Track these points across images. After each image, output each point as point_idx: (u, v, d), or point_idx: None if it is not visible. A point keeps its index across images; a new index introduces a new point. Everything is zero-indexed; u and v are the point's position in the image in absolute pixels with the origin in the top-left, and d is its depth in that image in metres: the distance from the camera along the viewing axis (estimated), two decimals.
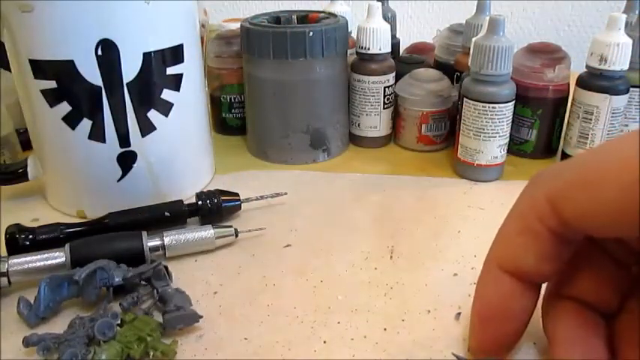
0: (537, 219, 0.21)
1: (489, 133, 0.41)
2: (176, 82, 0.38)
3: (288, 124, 0.46)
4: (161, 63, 0.36)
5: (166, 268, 0.31)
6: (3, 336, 0.28)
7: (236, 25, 0.57)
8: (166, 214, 0.36)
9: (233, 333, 0.28)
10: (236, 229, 0.35)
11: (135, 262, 0.31)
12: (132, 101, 0.36)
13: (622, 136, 0.19)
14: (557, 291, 0.24)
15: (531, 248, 0.21)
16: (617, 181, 0.18)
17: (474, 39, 0.41)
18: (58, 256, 0.31)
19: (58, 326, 0.28)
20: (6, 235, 0.33)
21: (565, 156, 0.46)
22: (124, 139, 0.36)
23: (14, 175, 0.40)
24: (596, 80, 0.42)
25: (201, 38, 0.43)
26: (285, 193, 0.40)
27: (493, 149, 0.42)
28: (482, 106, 0.41)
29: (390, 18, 0.56)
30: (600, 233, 0.20)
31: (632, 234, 0.18)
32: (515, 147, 0.47)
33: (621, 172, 0.18)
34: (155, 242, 0.33)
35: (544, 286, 0.24)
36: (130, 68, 0.35)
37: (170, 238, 0.33)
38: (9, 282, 0.30)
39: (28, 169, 0.40)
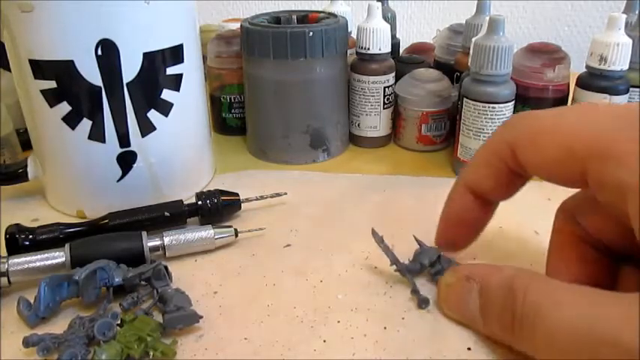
0: (499, 158, 0.26)
1: (489, 133, 0.41)
2: (176, 82, 0.38)
3: (288, 124, 0.46)
4: (161, 63, 0.36)
5: (166, 268, 0.31)
6: (3, 336, 0.28)
7: (236, 25, 0.57)
8: (166, 214, 0.36)
9: (233, 333, 0.28)
10: (236, 229, 0.35)
11: (135, 262, 0.31)
12: (132, 101, 0.36)
13: (572, 107, 0.26)
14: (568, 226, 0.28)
15: (491, 177, 0.27)
16: (555, 142, 0.23)
17: (473, 39, 0.41)
18: (58, 256, 0.31)
19: (58, 326, 0.28)
20: (6, 235, 0.33)
21: None
22: (124, 139, 0.36)
23: (14, 175, 0.40)
24: (596, 80, 0.42)
25: None
26: (285, 193, 0.40)
27: None
28: (482, 106, 0.41)
29: (390, 18, 0.56)
30: (546, 179, 0.25)
31: (568, 185, 0.24)
32: None
33: (558, 135, 0.23)
34: (155, 242, 0.33)
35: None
36: (130, 68, 0.35)
37: (170, 238, 0.33)
38: (9, 282, 0.30)
39: (28, 169, 0.40)
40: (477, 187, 0.28)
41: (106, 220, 0.35)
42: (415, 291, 0.30)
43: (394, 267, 0.31)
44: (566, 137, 0.23)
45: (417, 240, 0.32)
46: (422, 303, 0.29)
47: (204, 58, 0.49)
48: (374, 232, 0.31)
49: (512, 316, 0.23)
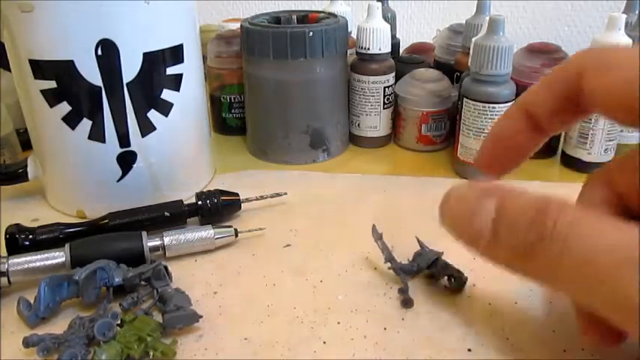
0: (564, 79, 0.26)
1: None
2: (176, 82, 0.38)
3: (288, 124, 0.46)
4: (161, 63, 0.36)
5: (166, 268, 0.31)
6: (3, 336, 0.28)
7: (236, 25, 0.57)
8: (166, 214, 0.36)
9: (233, 333, 0.28)
10: (236, 229, 0.35)
11: (135, 262, 0.31)
12: (132, 101, 0.36)
13: None
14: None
15: (551, 100, 0.26)
16: (619, 80, 0.23)
17: (473, 39, 0.41)
18: (58, 256, 0.31)
19: (58, 326, 0.28)
20: (6, 235, 0.33)
21: (565, 156, 0.46)
22: (124, 139, 0.36)
23: (14, 175, 0.40)
24: None
25: None
26: (285, 193, 0.40)
27: None
28: (482, 106, 0.41)
29: (390, 18, 0.56)
30: (602, 112, 0.25)
31: (622, 121, 0.24)
32: None
33: (622, 76, 0.23)
34: (155, 242, 0.33)
35: None
36: (130, 68, 0.35)
37: (170, 238, 0.33)
38: (9, 282, 0.30)
39: (28, 169, 0.40)
40: (533, 109, 0.28)
41: (106, 220, 0.35)
42: (403, 290, 0.30)
43: (388, 264, 0.31)
44: (630, 82, 0.23)
45: (419, 241, 0.32)
46: (405, 303, 0.29)
47: (204, 58, 0.49)
48: (374, 229, 0.31)
49: (536, 238, 0.21)
